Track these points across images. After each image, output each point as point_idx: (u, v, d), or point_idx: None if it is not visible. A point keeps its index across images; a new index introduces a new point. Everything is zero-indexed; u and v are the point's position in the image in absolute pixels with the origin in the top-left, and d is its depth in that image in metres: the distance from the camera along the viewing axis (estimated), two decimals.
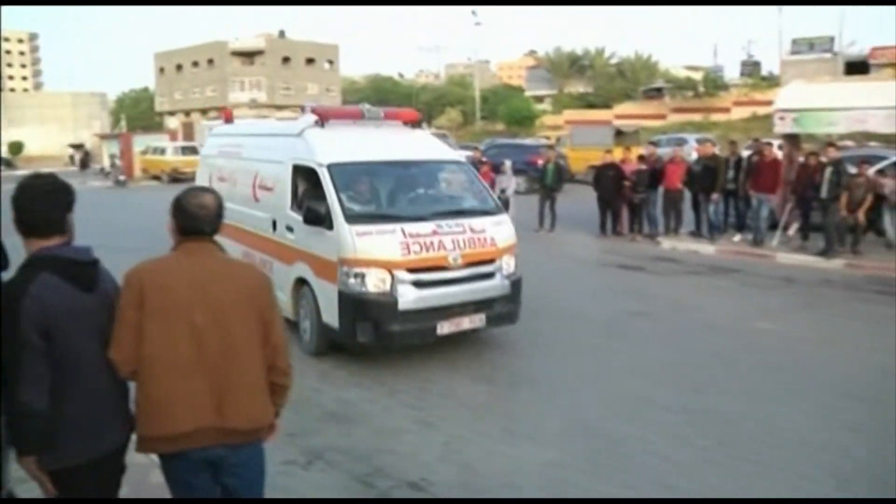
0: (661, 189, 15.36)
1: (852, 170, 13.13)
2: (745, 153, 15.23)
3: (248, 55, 70.77)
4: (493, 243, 7.39)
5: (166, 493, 3.18)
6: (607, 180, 15.63)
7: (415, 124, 8.86)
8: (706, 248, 14.28)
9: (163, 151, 36.16)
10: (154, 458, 3.29)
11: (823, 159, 13.03)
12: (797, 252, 13.31)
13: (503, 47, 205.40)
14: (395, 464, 5.12)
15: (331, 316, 7.03)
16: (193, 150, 36.60)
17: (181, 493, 3.05)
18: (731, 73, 67.30)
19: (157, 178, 34.81)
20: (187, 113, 70.30)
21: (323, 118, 7.96)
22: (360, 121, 8.30)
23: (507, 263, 7.55)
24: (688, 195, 15.24)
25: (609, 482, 4.88)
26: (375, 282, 6.74)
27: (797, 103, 14.62)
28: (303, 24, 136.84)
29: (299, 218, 7.34)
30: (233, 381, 2.93)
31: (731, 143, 15.95)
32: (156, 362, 2.84)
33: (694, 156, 16.91)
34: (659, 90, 62.19)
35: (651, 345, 8.12)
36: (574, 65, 76.62)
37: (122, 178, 33.46)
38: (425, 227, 7.08)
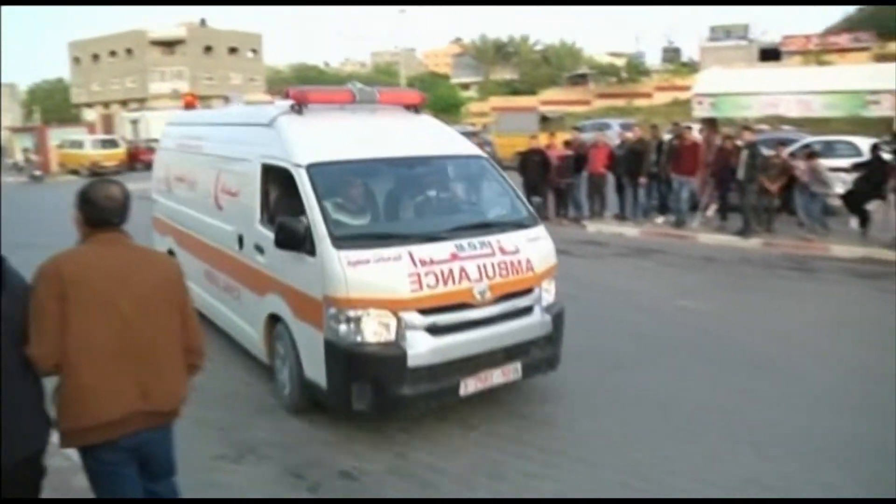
0: (584, 174, 15.65)
1: (768, 152, 13.64)
2: (667, 137, 15.63)
3: (169, 44, 68.82)
4: (530, 267, 5.67)
5: (91, 496, 3.13)
6: (533, 166, 15.77)
7: (418, 108, 7.03)
8: (630, 231, 14.63)
9: (81, 145, 34.97)
10: (76, 460, 3.23)
11: (739, 142, 13.48)
12: (717, 232, 13.77)
13: (429, 35, 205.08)
14: (326, 454, 5.14)
15: (316, 371, 5.33)
16: (113, 143, 35.65)
17: (106, 489, 3.05)
18: (653, 60, 69.44)
19: (75, 172, 33.59)
20: (106, 105, 68.08)
21: (301, 102, 6.17)
22: (350, 105, 6.47)
23: (547, 291, 5.95)
24: (611, 179, 15.56)
25: (534, 461, 5.00)
26: (375, 328, 5.05)
27: (714, 88, 15.17)
28: (224, 12, 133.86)
29: (271, 236, 5.51)
30: (157, 366, 3.04)
31: (653, 128, 16.30)
32: (82, 353, 2.85)
33: (617, 141, 17.25)
34: (583, 76, 63.16)
35: (576, 326, 8.23)
36: (499, 52, 77.21)
37: (37, 173, 32.21)
38: (441, 249, 5.33)
